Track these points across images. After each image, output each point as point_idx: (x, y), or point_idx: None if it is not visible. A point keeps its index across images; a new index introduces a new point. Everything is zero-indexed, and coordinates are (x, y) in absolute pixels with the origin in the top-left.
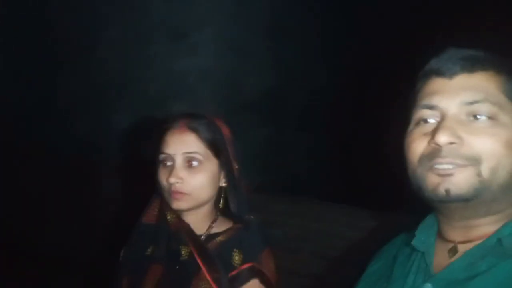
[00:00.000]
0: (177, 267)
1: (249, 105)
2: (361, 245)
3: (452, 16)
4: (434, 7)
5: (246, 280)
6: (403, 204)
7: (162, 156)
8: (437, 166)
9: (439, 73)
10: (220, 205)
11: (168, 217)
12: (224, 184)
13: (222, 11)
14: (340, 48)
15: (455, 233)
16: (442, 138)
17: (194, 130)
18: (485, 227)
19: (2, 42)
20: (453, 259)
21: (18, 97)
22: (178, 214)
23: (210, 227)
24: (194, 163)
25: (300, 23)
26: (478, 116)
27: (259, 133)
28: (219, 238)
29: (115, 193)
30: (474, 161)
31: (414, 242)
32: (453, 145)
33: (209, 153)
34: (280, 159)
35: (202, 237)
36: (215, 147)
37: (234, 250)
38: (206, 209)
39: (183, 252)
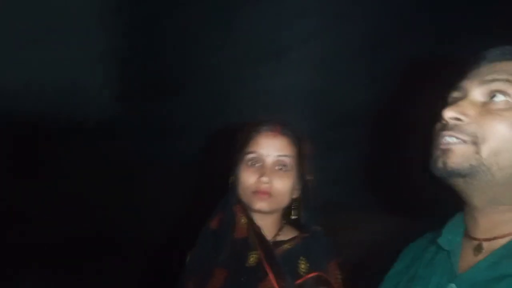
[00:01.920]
0: (244, 273)
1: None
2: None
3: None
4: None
5: None
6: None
7: (250, 156)
8: (441, 141)
9: (473, 66)
10: (292, 216)
11: (242, 221)
12: (296, 196)
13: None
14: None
15: (479, 230)
16: (448, 113)
17: (287, 135)
18: (511, 224)
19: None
20: (479, 258)
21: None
22: (251, 218)
23: (277, 234)
24: (284, 167)
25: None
26: (495, 98)
27: None
28: (286, 246)
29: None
30: (476, 138)
31: (439, 241)
32: (459, 122)
33: (294, 159)
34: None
35: (271, 243)
36: (300, 154)
37: (301, 258)
38: (276, 216)
39: (251, 258)
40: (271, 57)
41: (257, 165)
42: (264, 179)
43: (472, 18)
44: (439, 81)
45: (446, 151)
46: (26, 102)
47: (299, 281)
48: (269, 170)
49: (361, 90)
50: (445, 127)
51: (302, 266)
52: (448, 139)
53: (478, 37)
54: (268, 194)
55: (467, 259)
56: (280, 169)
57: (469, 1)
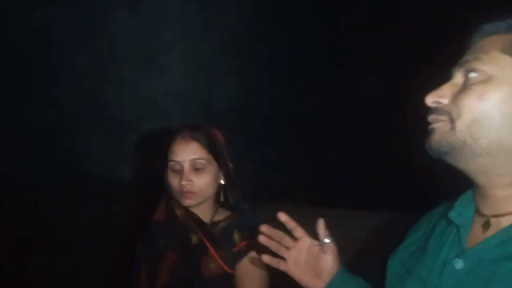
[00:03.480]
0: (189, 252)
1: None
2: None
3: None
4: None
5: (246, 253)
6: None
7: (171, 163)
8: (429, 122)
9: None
10: (221, 199)
11: (178, 212)
12: (223, 182)
13: (188, 34)
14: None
15: (487, 206)
16: (428, 99)
17: (197, 139)
18: None
19: None
20: (487, 234)
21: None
22: (186, 208)
23: (213, 216)
24: (199, 167)
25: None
26: (469, 75)
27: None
28: (222, 224)
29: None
30: (451, 115)
31: (450, 215)
32: (439, 104)
33: (210, 157)
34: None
35: (208, 224)
36: (214, 152)
37: (234, 231)
38: (209, 203)
39: (193, 238)
40: (142, 62)
41: (177, 170)
42: (183, 182)
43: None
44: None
45: (430, 131)
46: None
47: (235, 250)
48: (187, 173)
49: (229, 90)
50: (430, 110)
51: (236, 237)
52: (431, 120)
53: None
54: (191, 193)
55: (476, 235)
56: (197, 169)
57: None
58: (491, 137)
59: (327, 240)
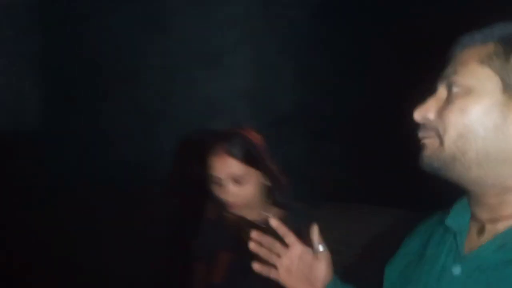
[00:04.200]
0: (244, 251)
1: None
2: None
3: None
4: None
5: None
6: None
7: (211, 176)
8: (419, 138)
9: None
10: (268, 200)
11: (226, 214)
12: (268, 184)
13: (253, 33)
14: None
15: (483, 212)
16: (415, 115)
17: (232, 154)
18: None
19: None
20: (482, 239)
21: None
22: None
23: (261, 215)
24: (239, 180)
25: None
26: (452, 89)
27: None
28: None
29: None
30: (438, 131)
31: (447, 222)
32: (427, 120)
33: (249, 168)
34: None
35: (258, 223)
36: (253, 161)
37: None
38: (256, 204)
39: (245, 237)
40: (207, 62)
41: (218, 183)
42: (224, 197)
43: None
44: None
45: (422, 147)
46: None
47: None
48: (228, 188)
49: (294, 90)
50: (419, 128)
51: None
52: (420, 137)
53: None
54: (234, 205)
55: (473, 241)
56: (237, 181)
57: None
58: (478, 149)
59: (321, 248)
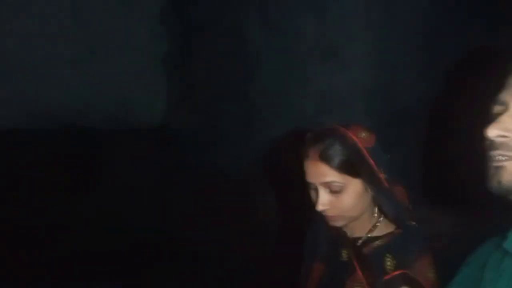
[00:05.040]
0: (338, 268)
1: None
2: None
3: None
4: None
5: (396, 286)
6: None
7: (307, 181)
8: (492, 159)
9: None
10: (375, 214)
11: (328, 225)
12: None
13: (371, 26)
14: None
15: None
16: (490, 132)
17: (326, 160)
18: None
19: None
20: None
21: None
22: None
23: (370, 230)
24: (335, 189)
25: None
26: None
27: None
28: (377, 242)
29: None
30: None
31: (506, 245)
32: (504, 139)
33: (346, 176)
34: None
35: (361, 240)
36: (351, 168)
37: (388, 255)
38: (365, 216)
39: (343, 253)
40: (324, 56)
41: (313, 188)
42: (318, 208)
43: None
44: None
45: (498, 169)
46: (83, 113)
47: (387, 277)
48: (323, 197)
49: (414, 85)
50: (493, 145)
51: (389, 263)
52: (498, 157)
53: None
54: (332, 217)
55: None
56: (333, 190)
57: None
58: None
59: None
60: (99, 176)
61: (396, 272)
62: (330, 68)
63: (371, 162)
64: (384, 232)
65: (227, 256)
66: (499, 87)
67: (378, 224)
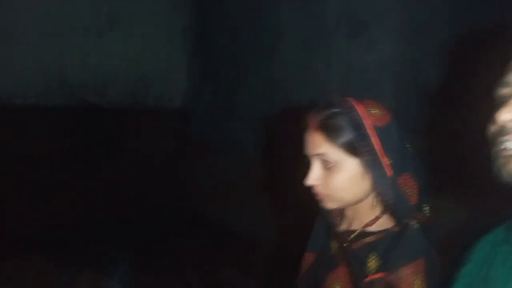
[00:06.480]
0: (325, 260)
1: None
2: None
3: None
4: None
5: None
6: None
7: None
8: (502, 147)
9: None
10: (372, 206)
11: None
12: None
13: (402, 4)
14: None
15: None
16: (503, 116)
17: (323, 129)
18: None
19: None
20: None
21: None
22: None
23: (367, 224)
24: (329, 164)
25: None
26: None
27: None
28: (368, 239)
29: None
30: None
31: None
32: None
33: (343, 152)
34: None
35: (354, 234)
36: (349, 144)
37: (371, 255)
38: (364, 206)
39: (332, 246)
40: (352, 33)
41: (307, 164)
42: (306, 181)
43: None
44: None
45: (510, 158)
46: (103, 88)
47: (367, 279)
48: (315, 170)
49: (441, 64)
50: (503, 131)
51: (371, 263)
52: (509, 144)
53: None
54: (320, 195)
55: None
56: (327, 167)
57: None
58: None
59: None
60: (118, 149)
61: (377, 275)
62: (358, 44)
63: (376, 142)
64: (381, 229)
65: (240, 228)
66: (506, 68)
67: (379, 218)
